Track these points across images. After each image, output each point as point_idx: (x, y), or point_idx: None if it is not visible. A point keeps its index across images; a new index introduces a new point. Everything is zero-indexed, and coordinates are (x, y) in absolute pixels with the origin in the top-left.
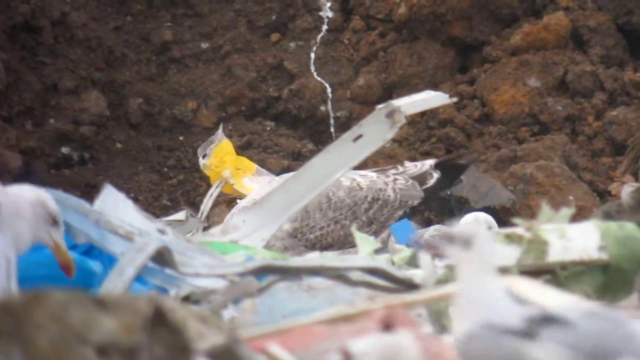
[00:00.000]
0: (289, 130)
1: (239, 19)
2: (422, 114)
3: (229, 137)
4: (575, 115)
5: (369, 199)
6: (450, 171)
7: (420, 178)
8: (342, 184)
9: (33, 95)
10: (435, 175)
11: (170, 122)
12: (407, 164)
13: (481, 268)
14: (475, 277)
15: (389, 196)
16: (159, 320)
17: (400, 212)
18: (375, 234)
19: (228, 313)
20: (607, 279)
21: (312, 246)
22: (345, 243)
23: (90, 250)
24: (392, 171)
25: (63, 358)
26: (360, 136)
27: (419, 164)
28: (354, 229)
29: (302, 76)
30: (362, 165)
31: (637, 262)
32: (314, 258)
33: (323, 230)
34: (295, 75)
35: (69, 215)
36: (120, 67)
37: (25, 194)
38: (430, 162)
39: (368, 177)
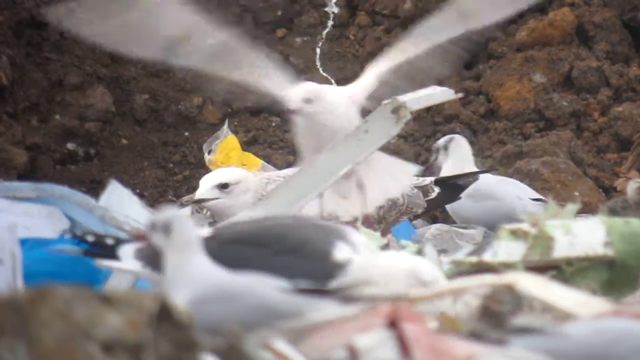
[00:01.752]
0: None
1: (245, 14)
2: (428, 109)
3: (235, 132)
4: (580, 111)
5: None
6: (450, 189)
7: (422, 190)
8: None
9: (38, 91)
10: (437, 189)
11: (175, 118)
12: None
13: (184, 248)
14: (179, 257)
15: (397, 199)
16: (165, 316)
17: (405, 218)
18: (382, 233)
19: None
20: (613, 275)
21: None
22: None
23: None
24: None
25: (68, 354)
26: (365, 132)
27: (420, 178)
28: (359, 224)
29: (307, 72)
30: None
31: None
32: None
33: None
34: (301, 71)
35: (75, 211)
36: (125, 63)
37: (399, 265)
38: (430, 179)
39: None
